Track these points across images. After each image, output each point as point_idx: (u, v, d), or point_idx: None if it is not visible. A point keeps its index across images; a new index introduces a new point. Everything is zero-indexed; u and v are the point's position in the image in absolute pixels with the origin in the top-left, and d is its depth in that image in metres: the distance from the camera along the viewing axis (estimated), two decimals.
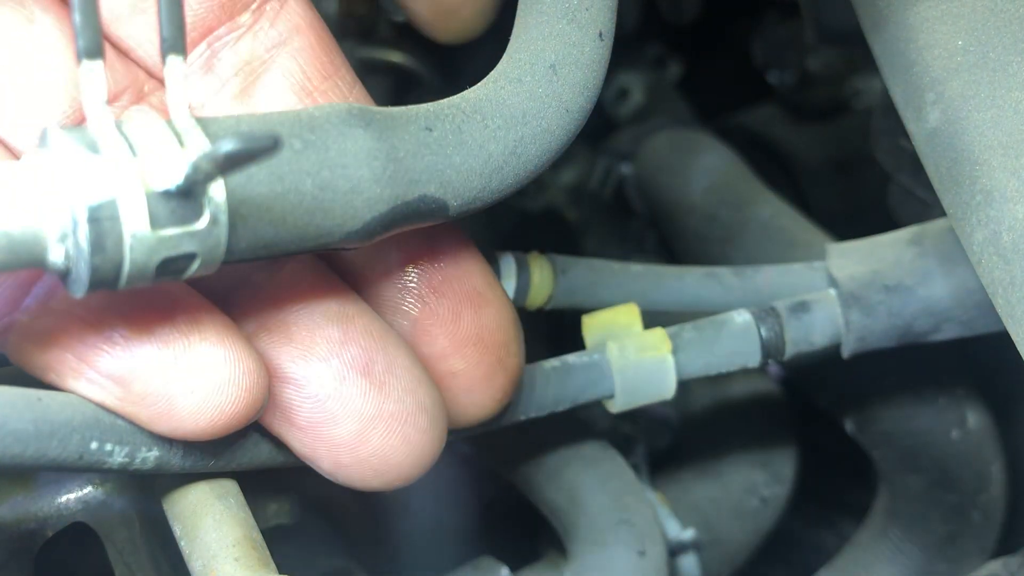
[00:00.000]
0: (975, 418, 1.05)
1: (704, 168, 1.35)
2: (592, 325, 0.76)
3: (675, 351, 0.75)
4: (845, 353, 0.81)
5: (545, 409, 0.71)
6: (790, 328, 0.78)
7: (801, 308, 0.79)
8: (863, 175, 1.61)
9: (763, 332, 0.77)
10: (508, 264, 0.79)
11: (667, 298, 0.84)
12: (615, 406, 0.75)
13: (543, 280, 0.80)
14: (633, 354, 0.73)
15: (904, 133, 1.11)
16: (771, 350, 0.77)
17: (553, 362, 0.72)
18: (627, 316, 0.76)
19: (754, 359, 0.78)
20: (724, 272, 0.87)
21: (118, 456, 0.54)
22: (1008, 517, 1.10)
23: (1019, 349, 0.59)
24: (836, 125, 1.73)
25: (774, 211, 1.22)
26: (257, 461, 0.61)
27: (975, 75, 0.62)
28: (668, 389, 0.75)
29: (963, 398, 1.05)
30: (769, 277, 0.87)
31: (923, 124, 0.65)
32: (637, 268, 0.85)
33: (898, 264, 0.80)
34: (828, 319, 0.79)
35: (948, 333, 0.81)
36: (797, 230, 1.19)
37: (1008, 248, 0.57)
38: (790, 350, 0.78)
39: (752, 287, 0.86)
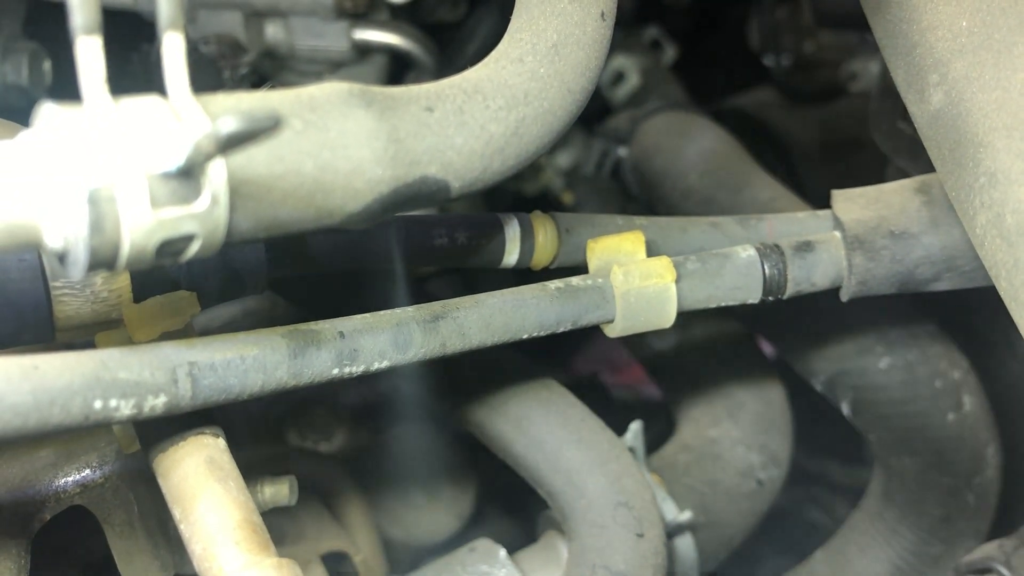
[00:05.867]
0: (971, 401, 1.06)
1: (701, 151, 1.34)
2: (596, 250, 0.76)
3: (678, 280, 0.75)
4: (844, 296, 0.81)
5: (547, 329, 0.71)
6: (793, 266, 0.78)
7: (805, 247, 0.79)
8: (859, 158, 1.61)
9: (766, 268, 0.78)
10: (512, 225, 0.79)
11: (672, 249, 0.84)
12: (614, 330, 0.75)
13: (548, 240, 0.80)
14: (637, 280, 0.73)
15: (902, 116, 1.11)
16: (772, 287, 0.78)
17: (557, 283, 0.72)
18: (632, 243, 0.76)
19: (755, 295, 0.78)
20: (728, 222, 0.87)
21: (125, 409, 0.53)
22: (1002, 499, 1.10)
23: (1021, 332, 0.59)
24: (832, 108, 1.73)
25: (772, 194, 1.21)
26: (268, 388, 0.60)
27: (979, 56, 0.61)
28: (668, 318, 0.75)
29: (959, 382, 1.05)
30: (773, 226, 0.87)
31: (926, 106, 0.65)
32: (641, 221, 0.85)
33: (904, 211, 0.80)
34: (831, 260, 0.80)
35: (948, 283, 0.81)
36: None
37: (1012, 230, 0.57)
38: (791, 288, 0.79)
39: (756, 236, 0.86)
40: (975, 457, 1.06)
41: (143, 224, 0.45)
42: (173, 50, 0.47)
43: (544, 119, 0.58)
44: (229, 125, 0.40)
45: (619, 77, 1.65)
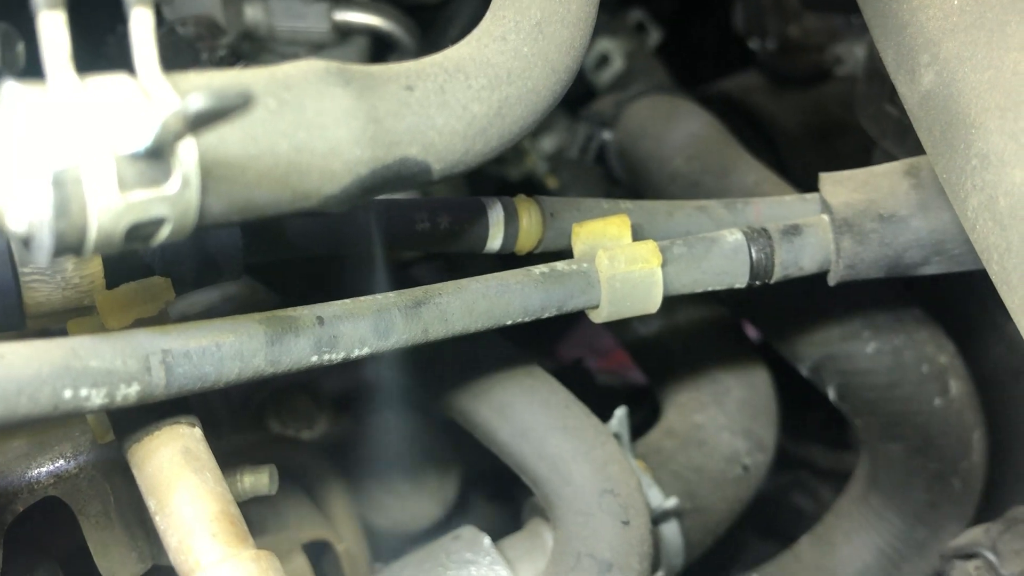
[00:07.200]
0: (957, 386, 1.05)
1: (686, 135, 1.33)
2: (582, 234, 0.75)
3: (664, 265, 0.74)
4: (832, 280, 0.80)
5: (531, 314, 0.70)
6: (781, 250, 0.77)
7: (793, 231, 0.78)
8: (844, 142, 1.60)
9: (753, 252, 0.77)
10: (496, 209, 0.78)
11: (658, 233, 0.83)
12: (599, 316, 0.74)
13: (532, 224, 0.79)
14: (622, 265, 0.72)
15: (889, 99, 1.10)
16: (760, 271, 0.77)
17: (542, 268, 0.71)
18: (618, 227, 0.74)
19: (742, 279, 0.77)
20: (714, 205, 0.86)
21: (96, 399, 0.51)
22: (988, 484, 1.10)
23: (1013, 317, 0.58)
24: (817, 92, 1.72)
25: (758, 178, 1.20)
26: (245, 375, 0.58)
27: (971, 35, 0.60)
28: (654, 303, 0.74)
29: (946, 366, 1.05)
30: (760, 209, 0.86)
31: (916, 86, 0.64)
32: (627, 204, 0.84)
33: (893, 194, 0.79)
34: (819, 244, 0.79)
35: (937, 267, 0.80)
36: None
37: (1004, 213, 0.56)
38: (779, 272, 0.78)
39: (743, 220, 0.85)
40: (961, 442, 1.06)
41: (111, 207, 0.43)
42: (141, 26, 0.45)
43: (528, 99, 0.57)
44: (198, 102, 0.39)
45: (603, 60, 1.64)
